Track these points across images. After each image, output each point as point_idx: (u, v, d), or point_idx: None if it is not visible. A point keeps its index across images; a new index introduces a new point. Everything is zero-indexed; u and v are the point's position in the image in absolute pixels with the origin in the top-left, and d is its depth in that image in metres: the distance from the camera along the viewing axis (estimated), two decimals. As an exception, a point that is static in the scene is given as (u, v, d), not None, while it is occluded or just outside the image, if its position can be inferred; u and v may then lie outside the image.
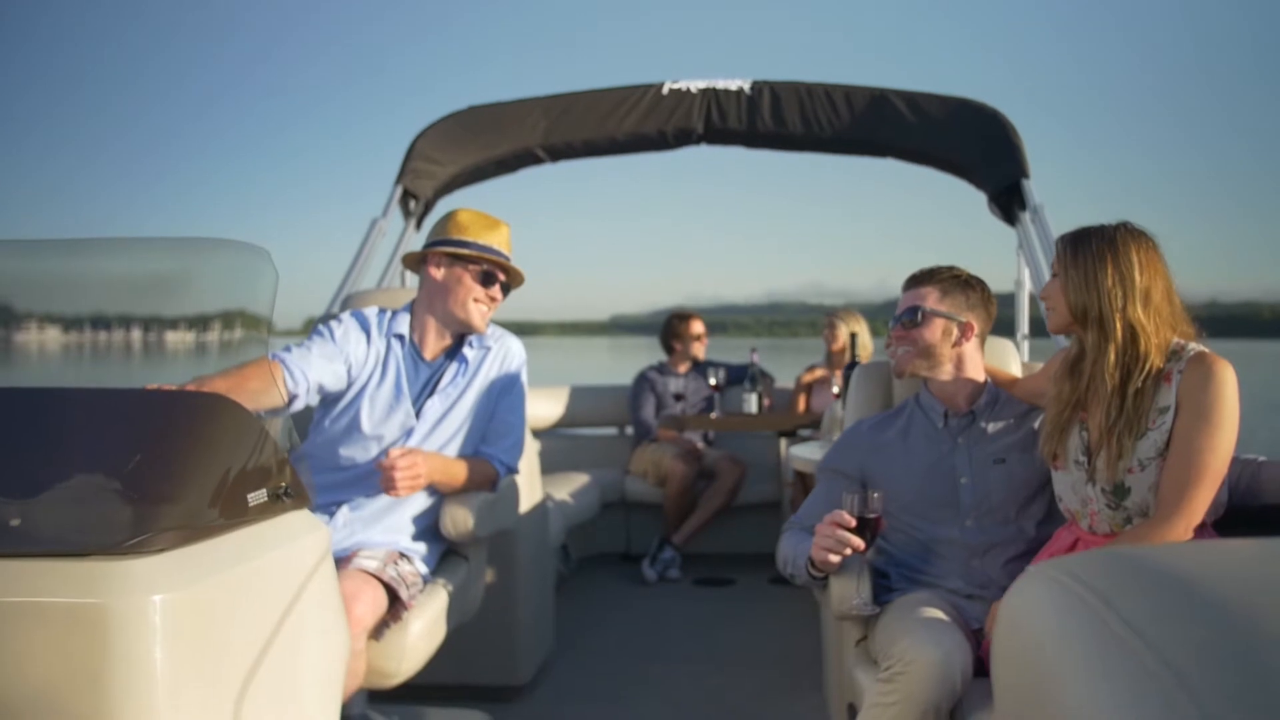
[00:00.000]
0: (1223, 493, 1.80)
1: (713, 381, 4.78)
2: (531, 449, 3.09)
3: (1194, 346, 1.82)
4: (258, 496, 1.31)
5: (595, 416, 5.23)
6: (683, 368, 4.99)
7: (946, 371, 2.17)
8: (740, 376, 4.80)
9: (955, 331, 2.16)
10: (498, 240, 2.39)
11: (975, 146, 4.21)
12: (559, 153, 4.62)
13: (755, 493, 4.64)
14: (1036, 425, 2.09)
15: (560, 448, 5.06)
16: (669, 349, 5.05)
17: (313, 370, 2.20)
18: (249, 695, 1.21)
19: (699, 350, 5.02)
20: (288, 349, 2.24)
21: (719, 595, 4.21)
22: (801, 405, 4.72)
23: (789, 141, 4.53)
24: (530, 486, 3.00)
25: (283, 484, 1.37)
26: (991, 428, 2.14)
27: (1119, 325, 1.80)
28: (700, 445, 4.75)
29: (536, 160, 4.65)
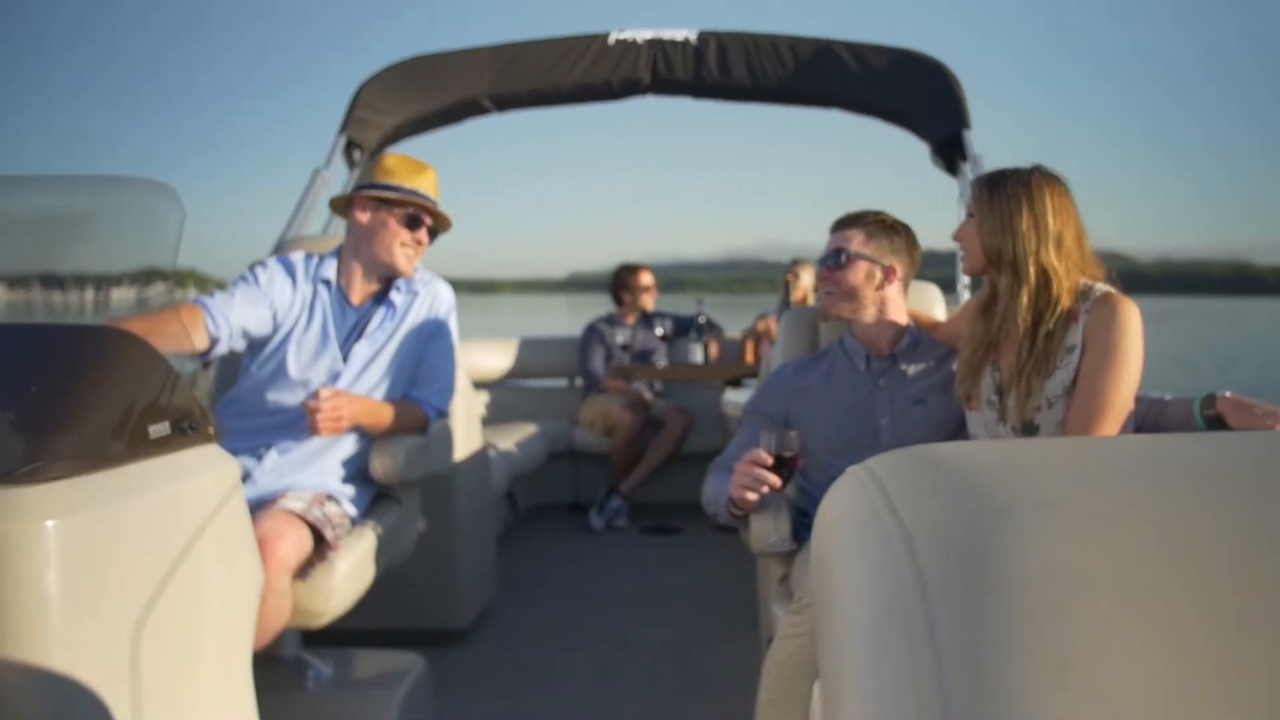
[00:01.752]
0: (1129, 429, 1.84)
1: (659, 332, 4.79)
2: (471, 397, 3.10)
3: (1101, 287, 1.85)
4: (160, 429, 1.32)
5: (544, 368, 5.26)
6: (631, 319, 5.01)
7: (870, 314, 2.20)
8: (687, 328, 4.84)
9: (879, 275, 2.19)
10: (424, 184, 2.38)
11: (918, 98, 4.24)
12: (505, 103, 4.58)
13: (702, 442, 4.70)
14: (954, 367, 2.13)
15: (509, 399, 5.09)
16: (618, 300, 5.07)
17: (235, 315, 2.20)
18: (149, 625, 1.22)
19: (648, 302, 5.04)
20: (211, 294, 2.23)
21: (665, 543, 4.27)
22: (750, 355, 4.77)
23: (735, 92, 4.53)
24: (468, 433, 3.02)
25: (187, 418, 1.37)
26: (912, 370, 2.18)
27: (1032, 268, 1.83)
28: (648, 396, 4.78)
29: (482, 110, 4.61)
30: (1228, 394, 1.93)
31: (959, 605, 0.36)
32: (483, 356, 5.08)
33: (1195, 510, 0.39)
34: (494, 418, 4.95)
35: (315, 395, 2.12)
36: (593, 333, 4.97)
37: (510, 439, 4.34)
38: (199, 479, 1.36)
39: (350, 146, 4.42)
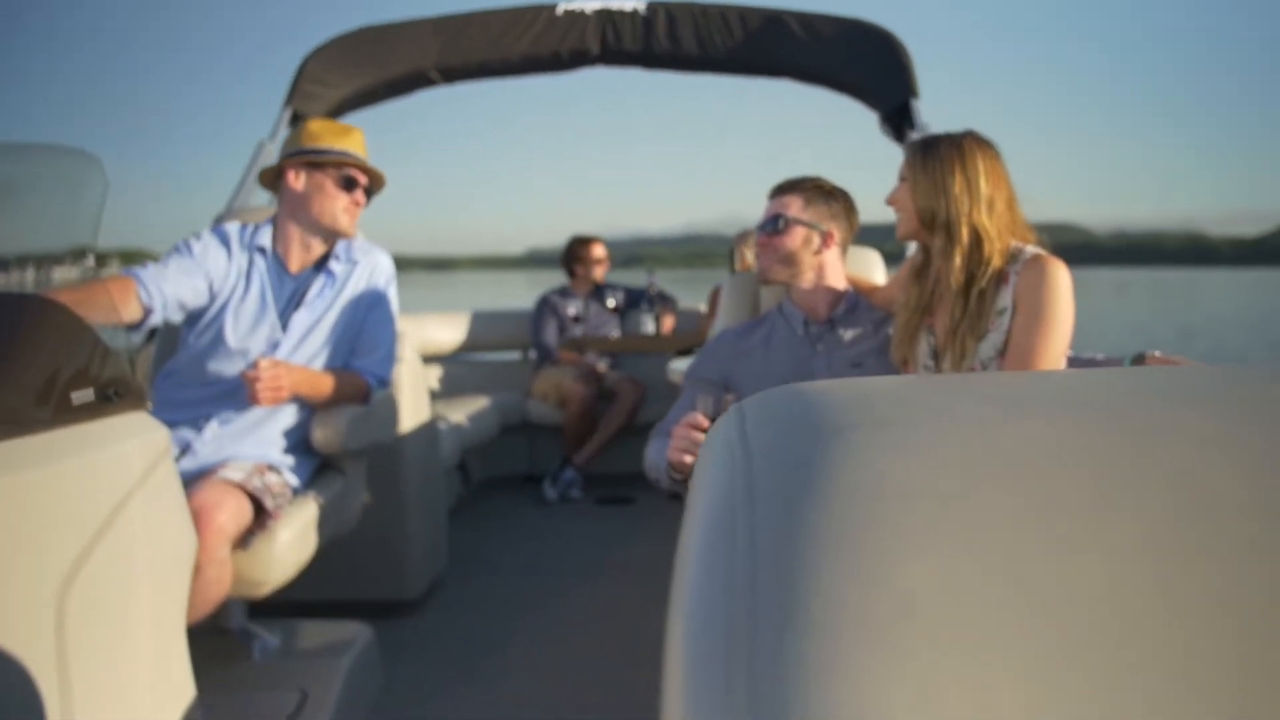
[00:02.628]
0: None
1: (611, 304, 4.80)
2: (417, 368, 3.09)
3: (1030, 250, 1.88)
4: (83, 396, 1.31)
5: (498, 341, 5.26)
6: (583, 291, 5.01)
7: (808, 280, 2.22)
8: (639, 300, 4.85)
9: (816, 240, 2.21)
10: (352, 145, 2.38)
11: (866, 67, 4.26)
12: (453, 74, 4.54)
13: (655, 412, 4.72)
14: (891, 331, 2.16)
15: (462, 372, 5.08)
16: (570, 273, 5.07)
17: (169, 285, 2.18)
18: (73, 590, 1.22)
19: (600, 274, 5.04)
20: (144, 266, 2.21)
21: (620, 513, 4.29)
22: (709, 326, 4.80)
23: (685, 62, 4.53)
24: (415, 404, 3.02)
25: (113, 385, 1.37)
26: (849, 334, 2.21)
27: (965, 229, 1.86)
28: (601, 367, 4.80)
29: (430, 82, 4.57)
30: (1157, 353, 1.98)
31: (779, 509, 0.38)
32: (435, 330, 5.06)
33: (1038, 432, 0.40)
34: (447, 391, 4.94)
35: (254, 365, 2.11)
36: (545, 305, 4.97)
37: (462, 411, 4.34)
38: (125, 445, 1.36)
39: (296, 119, 4.37)
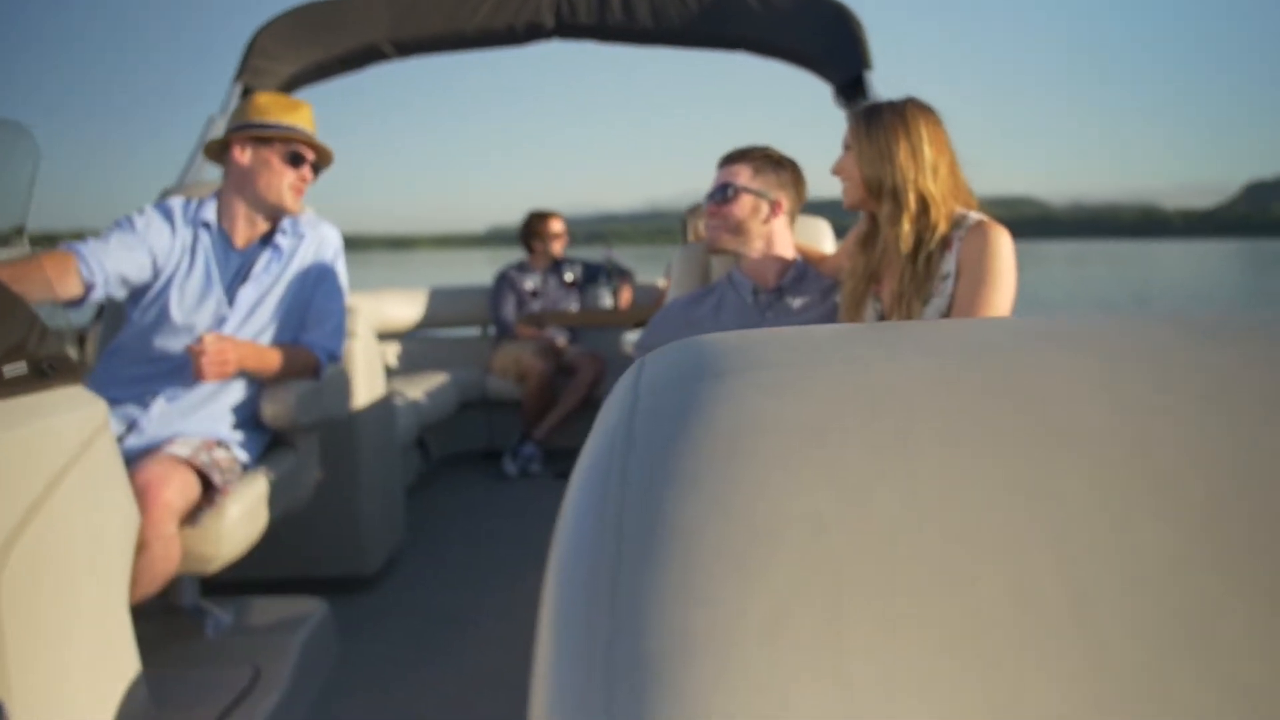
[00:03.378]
0: None
1: (569, 278, 4.79)
2: (372, 344, 3.07)
3: (974, 216, 1.90)
4: (15, 369, 1.29)
5: (456, 317, 5.23)
6: (541, 266, 5.00)
7: (756, 248, 2.24)
8: (597, 274, 4.84)
9: (765, 209, 2.22)
10: (300, 120, 2.35)
11: (820, 39, 4.28)
12: (406, 48, 4.49)
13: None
14: (838, 299, 2.18)
15: (420, 349, 5.06)
16: (529, 248, 5.05)
17: (111, 260, 2.15)
18: (9, 565, 1.21)
19: (558, 249, 5.03)
20: (85, 241, 2.18)
21: None
22: None
23: (640, 35, 4.51)
24: (370, 380, 3.00)
25: (47, 360, 1.35)
26: (797, 303, 2.23)
27: (911, 195, 1.88)
28: (560, 342, 4.79)
29: (383, 56, 4.52)
30: None
31: (653, 454, 0.38)
32: (393, 307, 5.03)
33: (908, 371, 0.41)
34: (405, 368, 4.92)
35: (200, 340, 2.09)
36: (503, 281, 4.95)
37: (420, 388, 4.32)
38: (60, 419, 1.34)
39: (247, 94, 4.30)
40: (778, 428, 0.38)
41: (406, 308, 5.05)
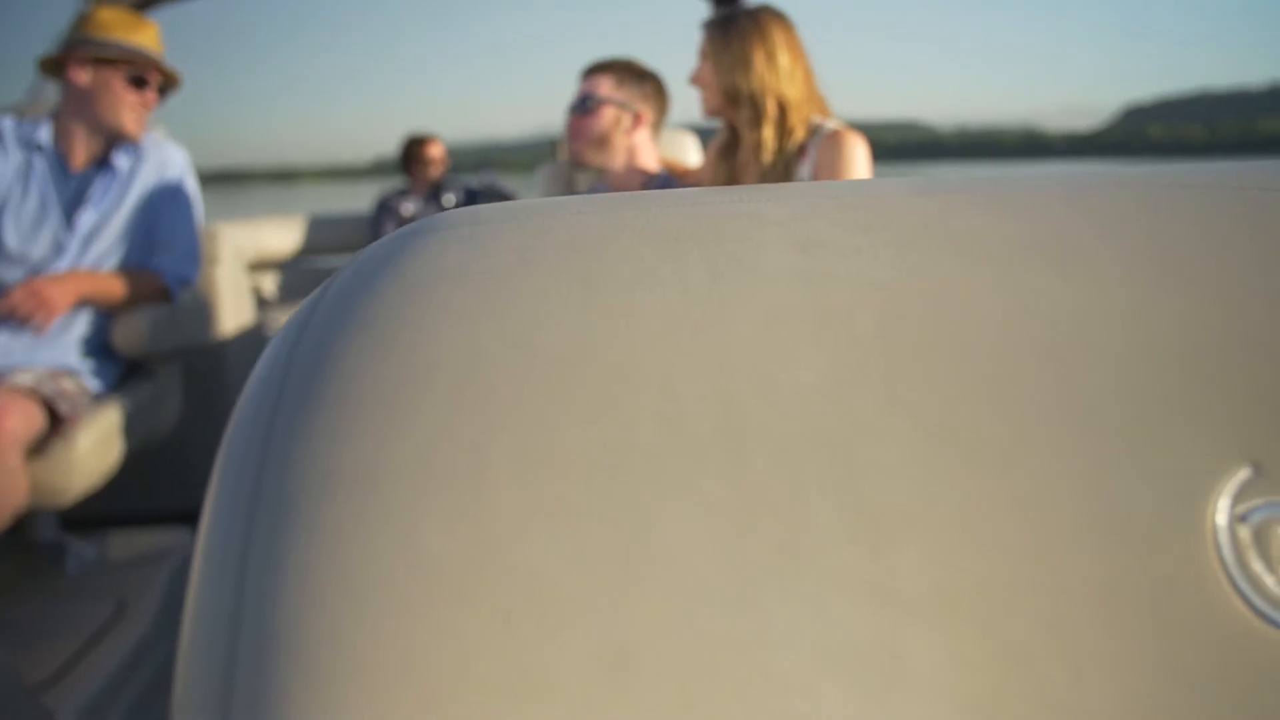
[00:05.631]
0: None
1: (448, 202, 4.71)
2: (239, 270, 2.97)
3: (830, 124, 1.92)
4: None
5: (336, 244, 5.10)
6: (421, 191, 4.90)
7: (619, 161, 2.22)
8: (476, 196, 4.77)
9: (627, 120, 2.20)
10: (145, 40, 2.23)
11: None
12: None
13: None
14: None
15: (300, 278, 4.92)
16: (408, 173, 4.94)
17: None
18: None
19: (436, 173, 4.93)
20: None
21: None
22: None
23: None
24: (238, 306, 2.91)
25: None
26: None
27: (770, 101, 1.88)
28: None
29: None
30: None
31: (336, 292, 0.38)
32: (271, 236, 4.87)
33: (590, 216, 0.41)
34: (286, 296, 4.78)
35: (8, 299, 1.99)
36: (383, 207, 4.84)
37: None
38: None
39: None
40: (460, 276, 0.38)
41: (285, 236, 4.89)
